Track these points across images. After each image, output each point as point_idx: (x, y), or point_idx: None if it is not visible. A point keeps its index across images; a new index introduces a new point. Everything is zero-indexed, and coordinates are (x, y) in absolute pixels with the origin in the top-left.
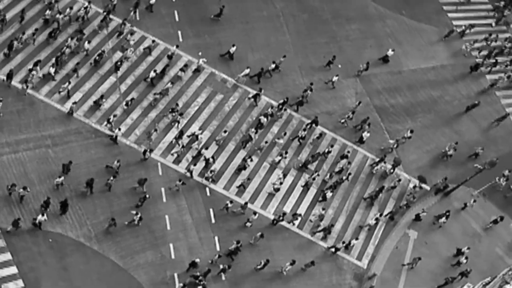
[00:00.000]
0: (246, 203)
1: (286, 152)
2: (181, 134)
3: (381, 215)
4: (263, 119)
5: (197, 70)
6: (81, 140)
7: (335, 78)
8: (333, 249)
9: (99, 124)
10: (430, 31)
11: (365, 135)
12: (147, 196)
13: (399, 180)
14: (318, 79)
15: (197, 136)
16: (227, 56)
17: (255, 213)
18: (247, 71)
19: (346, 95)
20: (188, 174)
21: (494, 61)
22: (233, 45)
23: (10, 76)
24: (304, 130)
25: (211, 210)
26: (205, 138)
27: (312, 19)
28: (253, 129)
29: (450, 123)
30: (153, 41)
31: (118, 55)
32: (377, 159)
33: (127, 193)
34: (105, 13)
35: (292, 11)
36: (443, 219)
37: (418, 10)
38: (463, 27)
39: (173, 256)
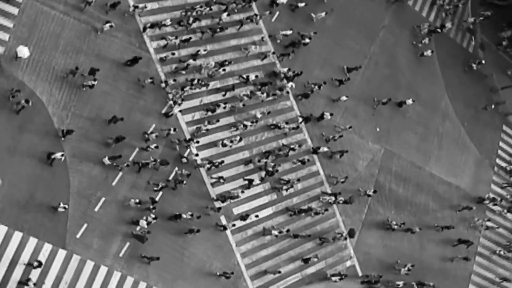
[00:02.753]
0: (189, 139)
1: (256, 121)
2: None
3: (288, 231)
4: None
5: (281, 89)
6: (126, 42)
7: (344, 98)
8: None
9: (153, 48)
10: (472, 153)
11: (322, 149)
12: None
13: (326, 209)
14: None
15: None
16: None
17: (197, 154)
18: (289, 32)
19: (361, 156)
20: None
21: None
22: None
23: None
24: (287, 123)
25: (176, 168)
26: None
27: (390, 77)
28: (249, 92)
29: (422, 235)
30: (273, 52)
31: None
32: (332, 192)
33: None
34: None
35: (379, 61)
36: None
37: (479, 131)
38: (494, 197)
39: (114, 183)
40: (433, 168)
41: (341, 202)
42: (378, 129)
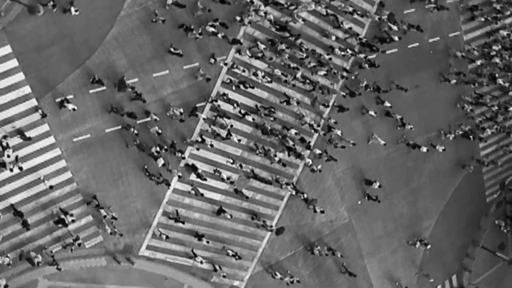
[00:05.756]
0: (207, 77)
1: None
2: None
3: (232, 183)
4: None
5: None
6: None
7: (372, 113)
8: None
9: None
10: (411, 277)
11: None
12: None
13: (288, 184)
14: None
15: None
16: None
17: (226, 63)
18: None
19: (330, 213)
20: None
21: None
22: None
23: None
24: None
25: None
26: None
27: (408, 169)
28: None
29: None
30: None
31: None
32: (296, 188)
33: None
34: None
35: (410, 152)
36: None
37: (434, 265)
38: None
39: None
40: (370, 264)
41: (301, 198)
42: (359, 203)
